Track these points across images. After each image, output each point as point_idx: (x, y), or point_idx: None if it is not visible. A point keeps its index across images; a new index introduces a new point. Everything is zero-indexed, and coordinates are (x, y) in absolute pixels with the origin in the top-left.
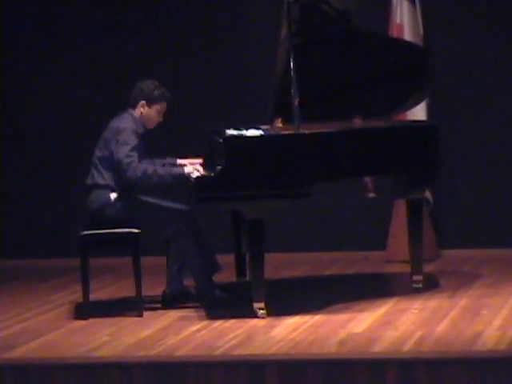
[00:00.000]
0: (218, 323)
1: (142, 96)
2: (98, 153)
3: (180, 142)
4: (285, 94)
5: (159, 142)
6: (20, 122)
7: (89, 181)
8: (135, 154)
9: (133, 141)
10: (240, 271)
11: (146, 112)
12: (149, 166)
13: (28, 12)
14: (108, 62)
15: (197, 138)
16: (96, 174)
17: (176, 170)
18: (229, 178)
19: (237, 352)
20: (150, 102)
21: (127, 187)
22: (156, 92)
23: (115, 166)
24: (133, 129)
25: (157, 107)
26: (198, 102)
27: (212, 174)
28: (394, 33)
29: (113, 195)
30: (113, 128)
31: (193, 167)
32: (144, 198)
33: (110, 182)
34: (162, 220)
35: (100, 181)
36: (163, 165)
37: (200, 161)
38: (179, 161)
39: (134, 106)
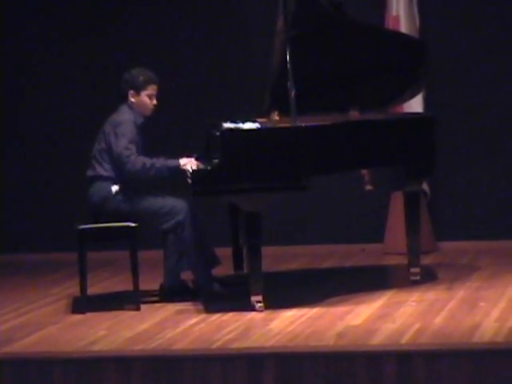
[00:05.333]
0: (215, 316)
1: (129, 86)
2: (97, 146)
3: (176, 135)
4: (281, 87)
5: (156, 134)
6: (19, 118)
7: (90, 172)
8: (134, 147)
9: (131, 132)
10: (237, 264)
11: (136, 100)
12: (147, 159)
13: (27, 11)
14: (105, 54)
15: (193, 130)
16: (97, 165)
17: (172, 162)
18: (225, 171)
19: (235, 345)
20: (138, 90)
21: (127, 180)
22: (141, 78)
23: (114, 159)
24: (131, 120)
25: (146, 93)
26: (195, 95)
27: (209, 167)
28: (391, 25)
29: (114, 188)
30: (111, 121)
31: (188, 160)
32: (144, 191)
33: (112, 174)
34: (161, 213)
35: (102, 172)
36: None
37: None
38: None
39: (126, 98)
